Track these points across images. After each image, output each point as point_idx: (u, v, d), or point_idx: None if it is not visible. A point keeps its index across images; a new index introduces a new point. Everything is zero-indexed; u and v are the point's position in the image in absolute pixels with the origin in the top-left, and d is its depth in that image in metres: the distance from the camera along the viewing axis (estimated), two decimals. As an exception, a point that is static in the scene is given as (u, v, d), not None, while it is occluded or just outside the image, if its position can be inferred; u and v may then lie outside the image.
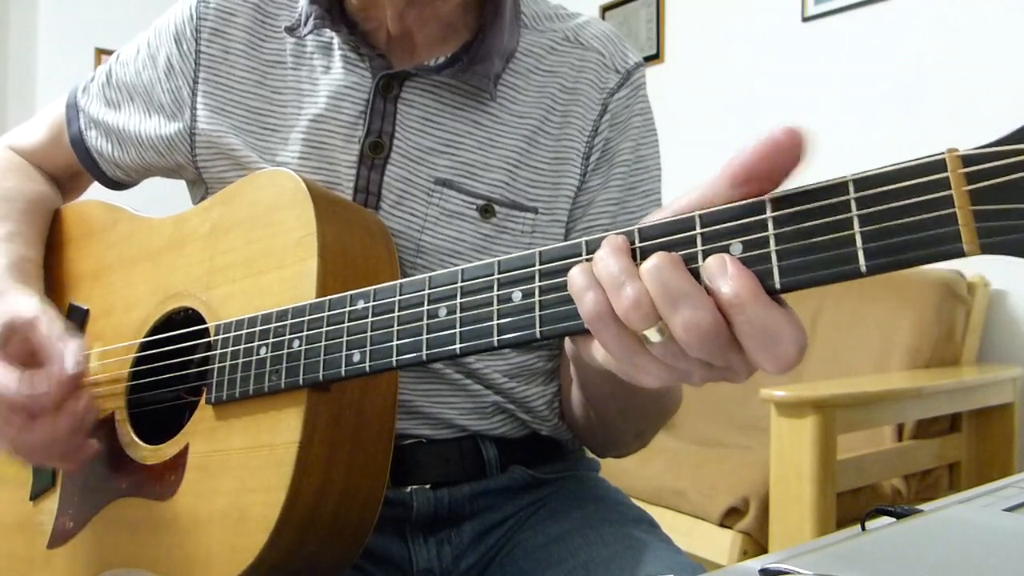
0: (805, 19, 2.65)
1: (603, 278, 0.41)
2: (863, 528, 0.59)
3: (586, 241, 0.44)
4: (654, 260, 0.40)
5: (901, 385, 1.81)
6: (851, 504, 1.68)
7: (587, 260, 0.43)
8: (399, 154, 0.72)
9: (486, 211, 0.72)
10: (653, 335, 0.40)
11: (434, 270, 0.71)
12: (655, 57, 3.12)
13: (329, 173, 0.72)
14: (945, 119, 2.28)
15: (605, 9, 3.33)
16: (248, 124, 0.74)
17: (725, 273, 0.38)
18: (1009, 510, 0.63)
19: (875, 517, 0.62)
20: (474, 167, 0.72)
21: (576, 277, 0.42)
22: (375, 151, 0.71)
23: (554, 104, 0.75)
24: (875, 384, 1.82)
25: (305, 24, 0.73)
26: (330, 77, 0.73)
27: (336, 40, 0.74)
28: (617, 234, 0.43)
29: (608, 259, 0.41)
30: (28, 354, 0.63)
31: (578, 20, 0.80)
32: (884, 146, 2.37)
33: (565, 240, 0.75)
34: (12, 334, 0.64)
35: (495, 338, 0.46)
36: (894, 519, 0.60)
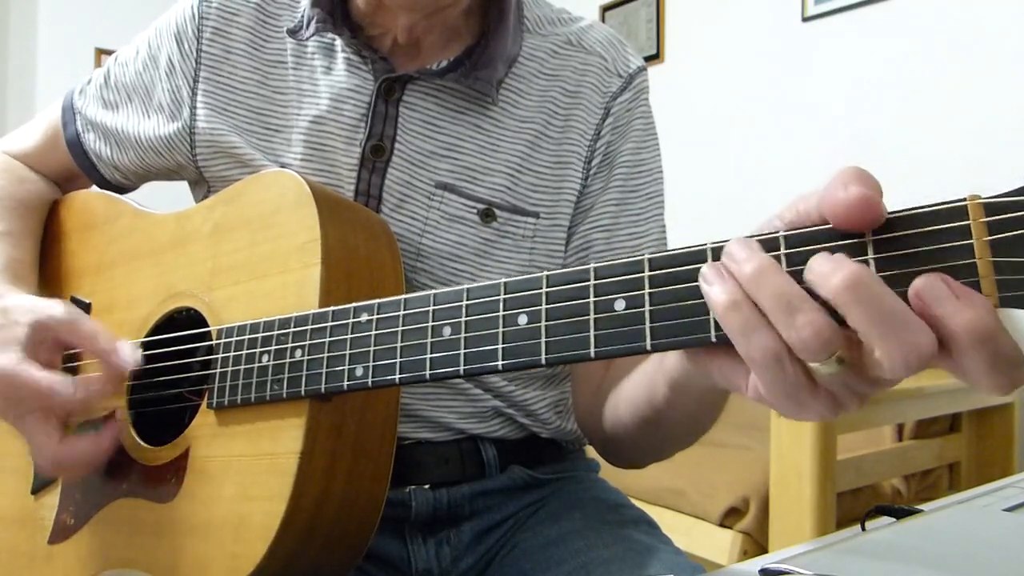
0: (805, 19, 2.65)
1: (770, 304, 0.36)
2: (863, 528, 0.59)
3: (594, 267, 0.43)
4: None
5: (901, 385, 1.80)
6: (851, 504, 1.68)
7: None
8: (400, 157, 0.72)
9: (487, 215, 0.72)
10: (830, 366, 0.36)
11: (435, 274, 0.71)
12: (655, 57, 3.12)
13: (330, 175, 0.72)
14: (945, 119, 2.28)
15: (605, 9, 3.33)
16: (250, 124, 0.74)
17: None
18: (1009, 510, 0.63)
19: (875, 517, 0.62)
20: (475, 171, 0.72)
21: (731, 315, 0.37)
22: (376, 154, 0.71)
23: (556, 108, 0.75)
24: (875, 384, 1.82)
25: (307, 27, 0.73)
26: (331, 78, 0.73)
27: (339, 42, 0.74)
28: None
29: (767, 278, 0.36)
30: (58, 354, 0.62)
31: (580, 24, 0.80)
32: (884, 146, 2.37)
33: (566, 244, 0.75)
34: (44, 335, 0.61)
35: (499, 362, 0.46)
36: (894, 519, 0.61)
